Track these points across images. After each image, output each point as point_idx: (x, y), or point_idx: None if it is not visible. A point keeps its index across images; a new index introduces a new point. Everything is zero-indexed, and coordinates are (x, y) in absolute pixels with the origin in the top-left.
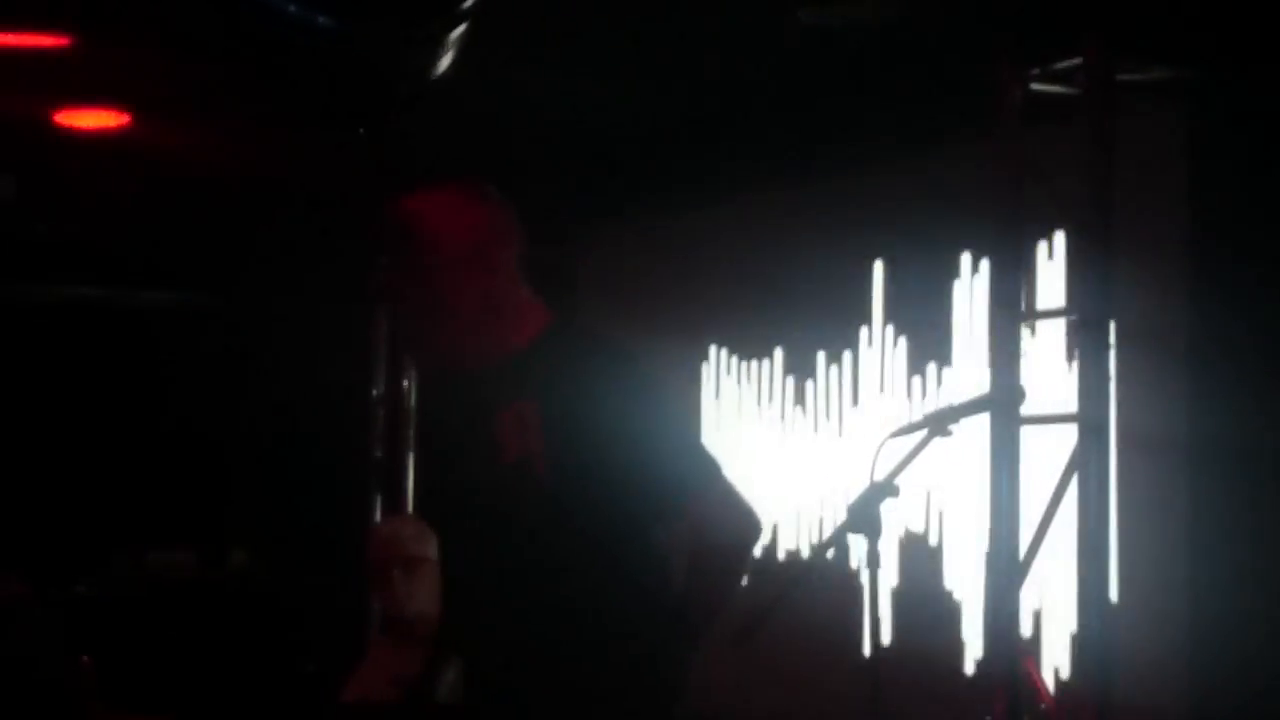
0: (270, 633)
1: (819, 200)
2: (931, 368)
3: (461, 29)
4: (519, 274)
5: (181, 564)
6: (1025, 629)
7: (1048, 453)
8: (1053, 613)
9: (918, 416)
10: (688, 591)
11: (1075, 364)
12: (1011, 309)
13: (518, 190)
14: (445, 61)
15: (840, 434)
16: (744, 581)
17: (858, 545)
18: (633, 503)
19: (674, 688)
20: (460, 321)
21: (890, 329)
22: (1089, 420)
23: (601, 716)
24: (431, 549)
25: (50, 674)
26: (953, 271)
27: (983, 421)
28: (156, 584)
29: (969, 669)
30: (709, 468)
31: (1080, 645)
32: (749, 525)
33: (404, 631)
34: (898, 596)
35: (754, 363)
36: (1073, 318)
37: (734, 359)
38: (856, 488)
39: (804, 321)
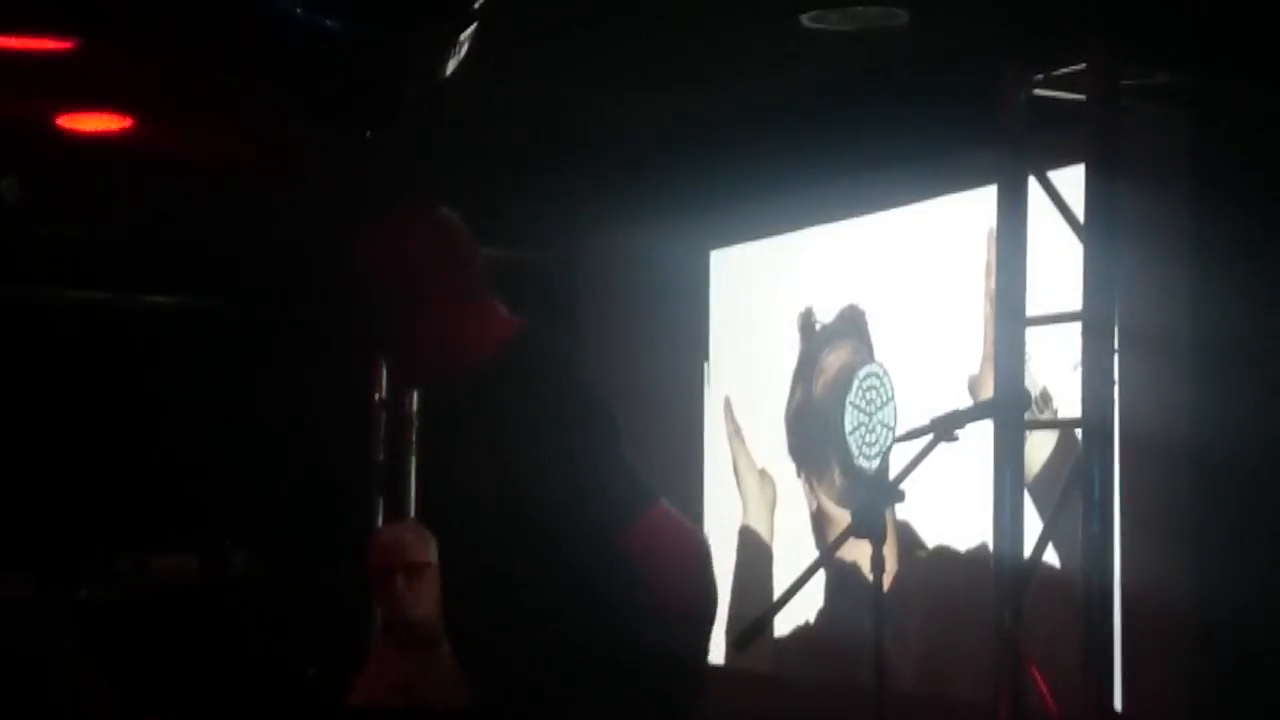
0: (273, 636)
1: (818, 204)
2: None
3: (470, 31)
4: (478, 290)
5: (184, 568)
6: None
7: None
8: (1057, 618)
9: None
10: (653, 610)
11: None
12: (1015, 313)
13: (523, 193)
14: (453, 64)
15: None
16: (704, 593)
17: (862, 550)
18: (576, 521)
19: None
20: (416, 341)
21: None
22: (1093, 424)
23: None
24: (433, 553)
25: (61, 676)
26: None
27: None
28: (159, 588)
29: (973, 674)
30: (641, 497)
31: (1084, 651)
32: (691, 546)
33: (407, 636)
34: (901, 600)
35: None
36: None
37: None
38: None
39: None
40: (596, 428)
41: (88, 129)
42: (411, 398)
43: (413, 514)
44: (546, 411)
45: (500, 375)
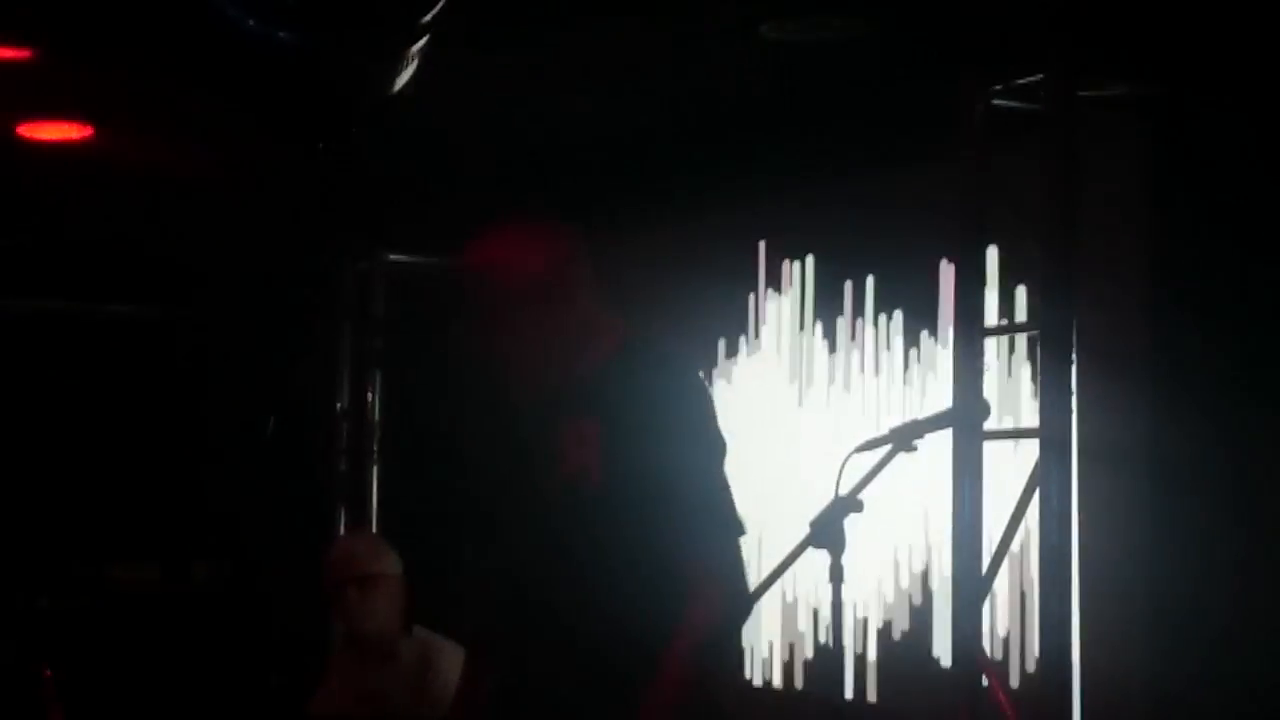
0: (234, 646)
1: (773, 214)
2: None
3: (422, 43)
4: (597, 294)
5: (145, 577)
6: (987, 643)
7: (1010, 467)
8: (1015, 626)
9: (882, 431)
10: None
11: (1037, 379)
12: (974, 324)
13: (476, 202)
14: (406, 75)
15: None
16: (714, 652)
17: (820, 561)
18: (663, 532)
19: None
20: (545, 347)
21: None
22: (1051, 435)
23: None
24: (389, 564)
25: (8, 683)
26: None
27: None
28: (120, 597)
29: (933, 683)
30: (728, 529)
31: (1042, 658)
32: (736, 607)
33: (363, 648)
34: (862, 613)
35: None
36: (1034, 332)
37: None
38: (820, 503)
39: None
40: (712, 451)
41: (48, 138)
42: (374, 406)
43: (374, 524)
44: (674, 408)
45: (617, 376)
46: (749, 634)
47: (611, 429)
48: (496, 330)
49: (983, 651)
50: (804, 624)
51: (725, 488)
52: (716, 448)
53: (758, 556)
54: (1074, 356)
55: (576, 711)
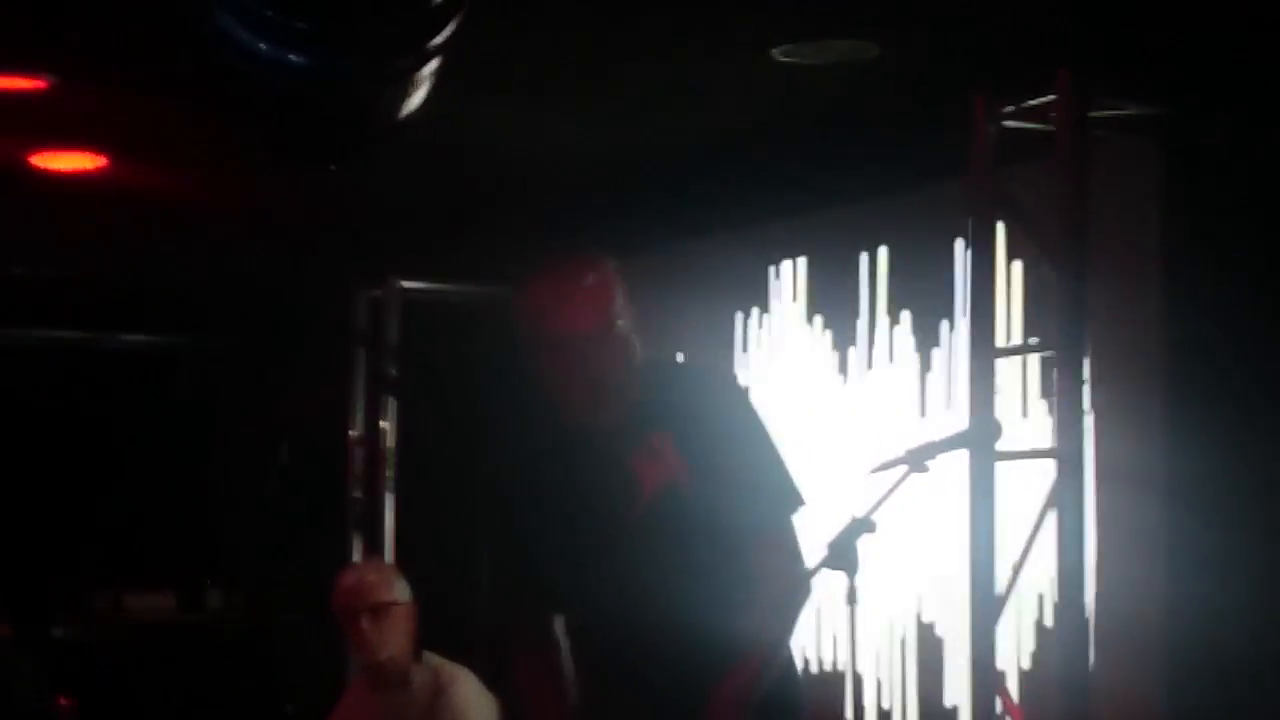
0: (249, 674)
1: (786, 238)
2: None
3: (434, 65)
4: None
5: (160, 606)
6: (1002, 663)
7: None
8: (1030, 646)
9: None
10: None
11: (1051, 399)
12: (988, 345)
13: (489, 228)
14: (418, 98)
15: None
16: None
17: (836, 582)
18: (754, 510)
19: None
20: (609, 386)
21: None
22: (1066, 455)
23: None
24: (399, 593)
25: (31, 712)
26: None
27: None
28: (135, 626)
29: (948, 703)
30: (787, 501)
31: (1058, 678)
32: (795, 580)
33: (376, 676)
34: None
35: None
36: (1047, 353)
37: None
38: (836, 524)
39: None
40: (760, 418)
41: (61, 168)
42: (387, 434)
43: (389, 551)
44: (735, 409)
45: (664, 390)
46: None
47: (686, 435)
48: (558, 375)
49: (997, 672)
50: (822, 645)
51: (783, 463)
52: (767, 428)
53: None
54: (1088, 376)
55: None
